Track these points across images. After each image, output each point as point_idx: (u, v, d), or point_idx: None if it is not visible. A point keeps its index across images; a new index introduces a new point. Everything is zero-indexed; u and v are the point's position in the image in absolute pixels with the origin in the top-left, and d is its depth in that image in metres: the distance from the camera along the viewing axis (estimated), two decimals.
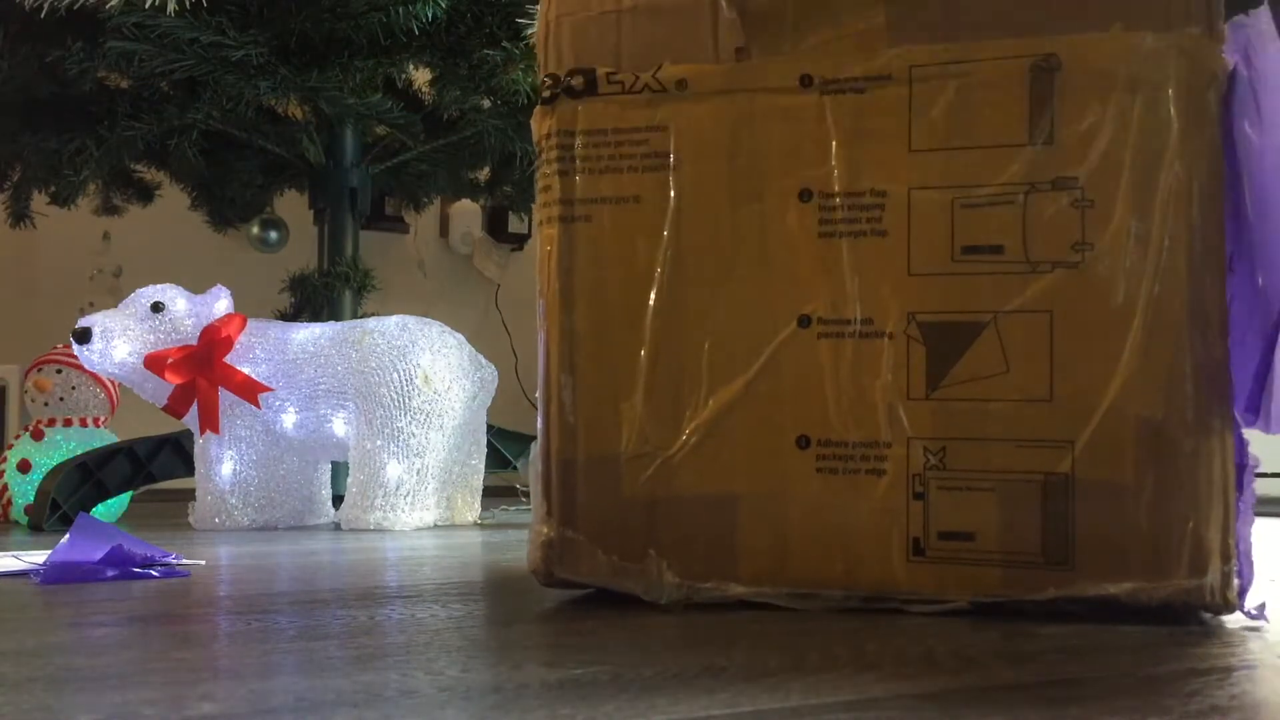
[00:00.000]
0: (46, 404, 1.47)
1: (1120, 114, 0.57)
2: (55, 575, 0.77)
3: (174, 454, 1.45)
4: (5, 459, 1.46)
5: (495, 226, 2.50)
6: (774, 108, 0.63)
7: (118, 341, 1.29)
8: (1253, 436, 0.60)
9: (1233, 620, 0.58)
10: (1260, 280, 0.57)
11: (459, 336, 1.39)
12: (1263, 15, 0.58)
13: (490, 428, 1.45)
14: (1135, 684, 0.44)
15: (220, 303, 1.35)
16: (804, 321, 0.62)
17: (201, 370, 1.31)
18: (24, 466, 1.43)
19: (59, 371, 1.47)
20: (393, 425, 1.29)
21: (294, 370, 1.32)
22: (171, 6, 1.28)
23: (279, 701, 0.40)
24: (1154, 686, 0.43)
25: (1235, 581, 0.56)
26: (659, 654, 0.49)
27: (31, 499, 1.37)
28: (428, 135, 1.74)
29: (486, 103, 1.60)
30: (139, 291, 1.34)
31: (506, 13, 1.44)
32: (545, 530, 0.66)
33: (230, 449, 1.33)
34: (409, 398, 1.30)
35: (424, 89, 1.79)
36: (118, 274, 2.22)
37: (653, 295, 0.64)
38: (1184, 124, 0.57)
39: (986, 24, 0.60)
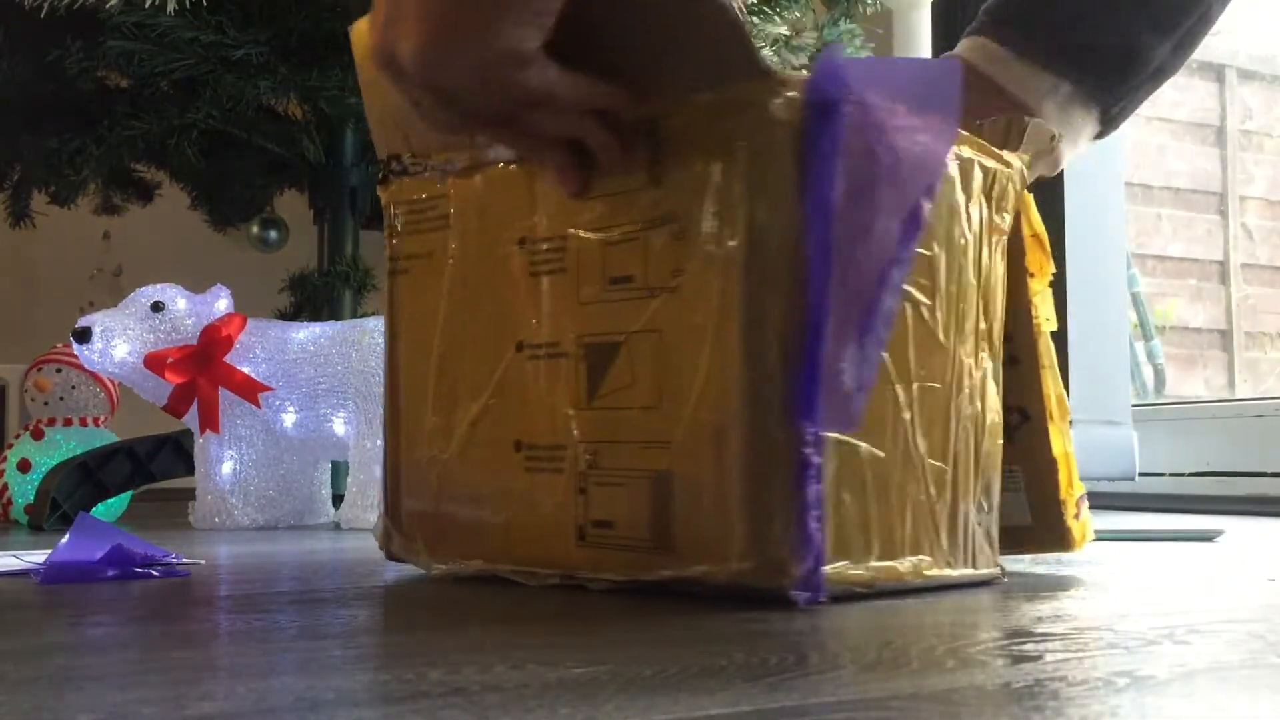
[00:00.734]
0: (46, 403, 1.47)
1: (703, 154, 0.65)
2: (55, 575, 0.77)
3: (174, 454, 1.45)
4: (5, 458, 1.46)
5: None
6: (504, 173, 0.75)
7: (118, 341, 1.29)
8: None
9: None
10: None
11: None
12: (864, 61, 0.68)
13: None
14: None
15: (220, 302, 1.35)
16: (519, 347, 0.74)
17: (201, 370, 1.31)
18: (24, 466, 1.43)
19: (59, 371, 1.47)
20: None
21: (294, 370, 1.32)
22: (171, 6, 1.28)
23: (279, 701, 0.40)
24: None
25: (796, 566, 0.63)
26: (659, 654, 0.49)
27: (31, 499, 1.37)
28: None
29: None
30: (139, 291, 1.34)
31: None
32: (384, 517, 0.82)
33: (230, 448, 1.33)
34: None
35: None
36: (118, 274, 2.23)
37: (438, 329, 0.78)
38: (748, 158, 0.64)
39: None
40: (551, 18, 0.62)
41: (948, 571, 0.71)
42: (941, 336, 0.71)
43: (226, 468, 1.33)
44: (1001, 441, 0.77)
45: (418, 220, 0.80)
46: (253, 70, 1.47)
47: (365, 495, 1.30)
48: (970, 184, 0.74)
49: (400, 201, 0.81)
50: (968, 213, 0.73)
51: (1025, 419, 0.80)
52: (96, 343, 1.29)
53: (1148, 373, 2.30)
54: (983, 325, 0.75)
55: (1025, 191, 0.81)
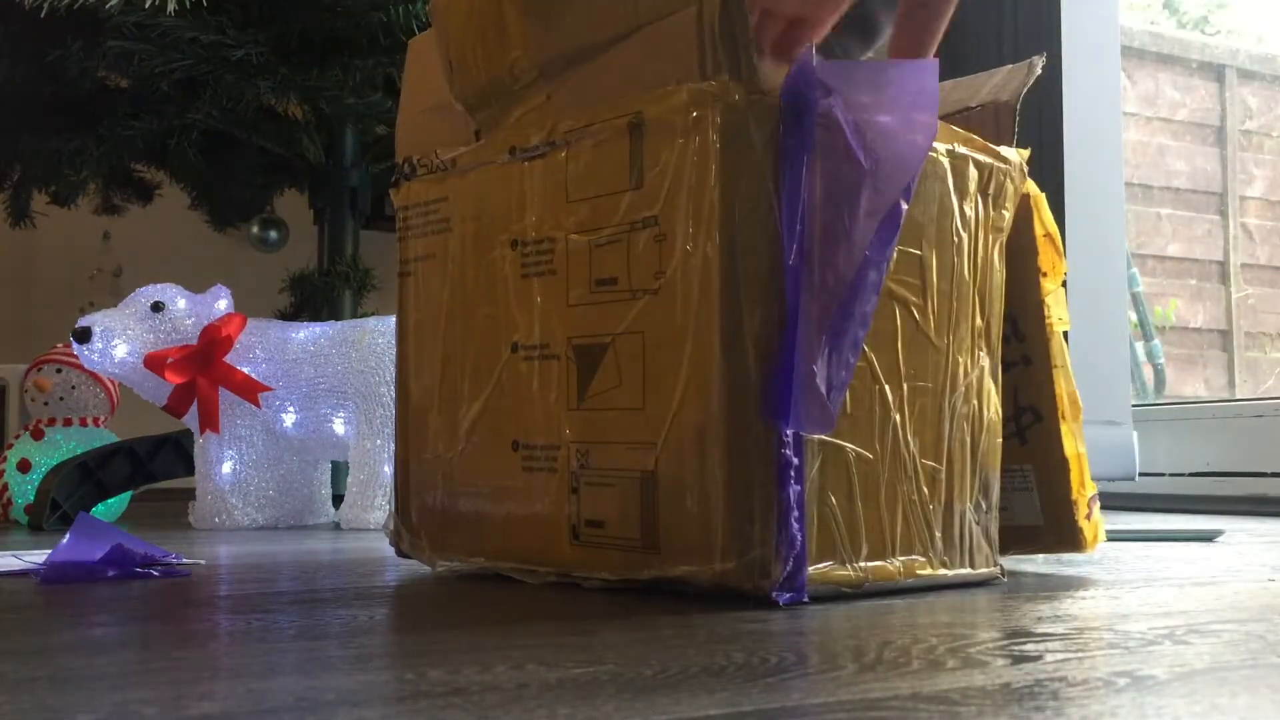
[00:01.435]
0: (46, 403, 1.47)
1: (679, 155, 0.66)
2: (55, 575, 0.77)
3: (174, 453, 1.45)
4: (5, 459, 1.46)
5: None
6: (496, 175, 0.76)
7: (118, 341, 1.29)
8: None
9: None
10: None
11: None
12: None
13: None
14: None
15: (220, 302, 1.35)
16: (514, 348, 0.74)
17: (201, 370, 1.31)
18: (24, 466, 1.43)
19: (59, 371, 1.47)
20: (393, 425, 1.29)
21: (294, 370, 1.32)
22: (171, 6, 1.28)
23: (279, 701, 0.40)
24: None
25: (777, 567, 0.63)
26: (659, 654, 0.49)
27: (31, 499, 1.37)
28: None
29: None
30: (139, 291, 1.34)
31: None
32: (394, 514, 0.83)
33: (230, 448, 1.33)
34: None
35: None
36: (118, 274, 2.23)
37: (443, 331, 0.79)
38: (724, 158, 0.65)
39: (607, 92, 0.70)
40: None
41: (943, 571, 0.71)
42: (933, 336, 0.71)
43: (226, 468, 1.33)
44: (1001, 440, 0.76)
45: (423, 223, 0.82)
46: (253, 70, 1.47)
47: (365, 495, 1.30)
48: (964, 182, 0.74)
49: (408, 205, 0.83)
50: (961, 210, 0.73)
51: (1038, 419, 0.81)
52: (96, 343, 1.29)
53: (1148, 373, 2.31)
54: (979, 323, 0.75)
55: (1039, 192, 0.81)
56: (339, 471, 1.49)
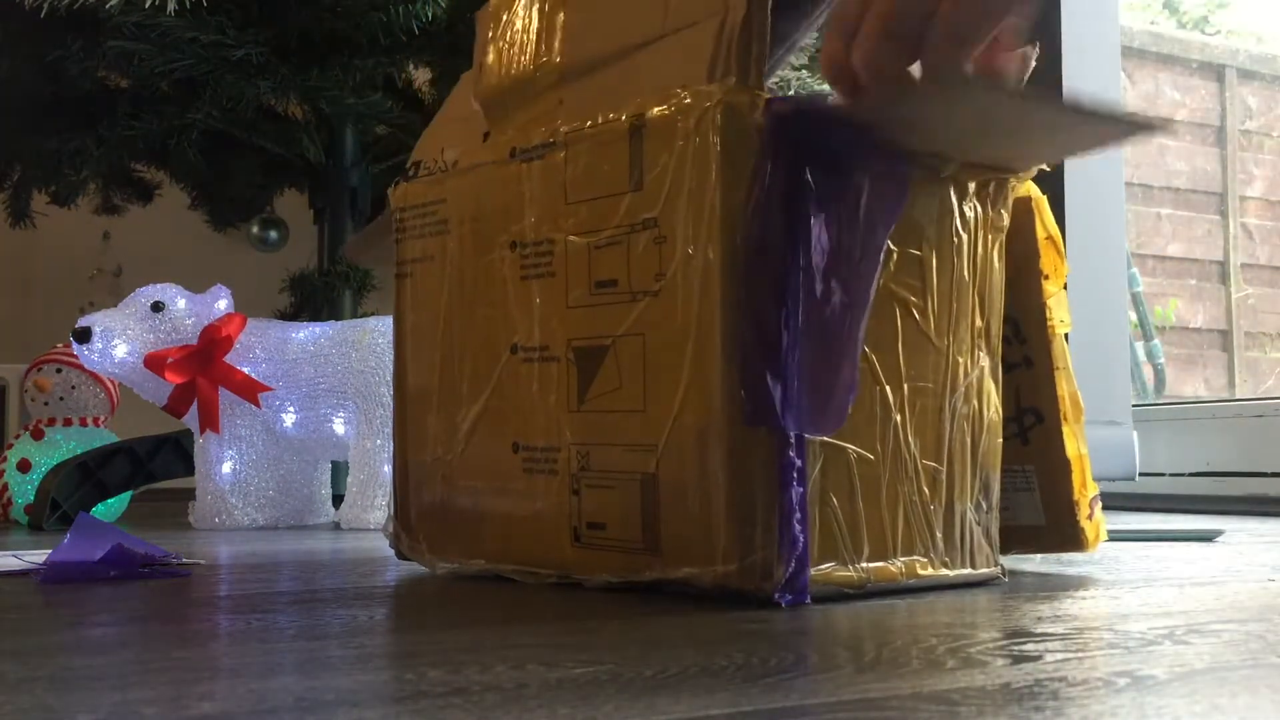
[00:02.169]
0: (46, 403, 1.47)
1: (679, 157, 0.66)
2: (55, 575, 0.77)
3: (174, 453, 1.45)
4: (5, 459, 1.46)
5: None
6: (496, 176, 0.76)
7: (118, 341, 1.29)
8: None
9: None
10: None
11: None
12: None
13: None
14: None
15: (220, 302, 1.35)
16: (514, 349, 0.74)
17: (201, 370, 1.31)
18: (24, 466, 1.43)
19: (59, 371, 1.47)
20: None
21: (294, 370, 1.32)
22: (171, 6, 1.28)
23: (279, 701, 0.40)
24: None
25: (779, 569, 0.63)
26: (659, 654, 0.49)
27: (31, 499, 1.37)
28: None
29: None
30: (139, 291, 1.34)
31: None
32: (393, 517, 0.83)
33: (230, 448, 1.33)
34: None
35: (424, 89, 1.79)
36: (118, 274, 2.22)
37: (441, 333, 0.79)
38: (725, 160, 0.64)
39: (617, 97, 0.70)
40: None
41: (944, 572, 0.71)
42: (934, 336, 0.71)
43: (226, 468, 1.33)
44: (1001, 440, 0.77)
45: (420, 224, 0.81)
46: (253, 70, 1.47)
47: (365, 495, 1.30)
48: (964, 183, 0.74)
49: (405, 206, 0.83)
50: (961, 211, 0.73)
51: (1039, 420, 0.81)
52: (96, 343, 1.29)
53: (1148, 373, 2.31)
54: (979, 323, 0.75)
55: (1040, 195, 0.81)
56: (339, 471, 1.49)
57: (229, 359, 1.31)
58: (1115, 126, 0.70)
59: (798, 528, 0.63)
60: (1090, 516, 0.81)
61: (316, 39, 1.51)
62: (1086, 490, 0.81)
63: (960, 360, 0.73)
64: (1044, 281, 0.81)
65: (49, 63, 1.51)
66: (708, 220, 0.64)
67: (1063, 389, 0.80)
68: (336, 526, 1.34)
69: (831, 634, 0.55)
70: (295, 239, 2.19)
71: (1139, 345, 2.27)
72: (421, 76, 1.78)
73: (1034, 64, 0.80)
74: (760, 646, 0.51)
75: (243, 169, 1.89)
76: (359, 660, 0.48)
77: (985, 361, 0.75)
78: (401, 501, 0.82)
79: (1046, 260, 0.81)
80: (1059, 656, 0.49)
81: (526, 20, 0.76)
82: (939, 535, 0.71)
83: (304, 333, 1.35)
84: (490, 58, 0.78)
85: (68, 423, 1.47)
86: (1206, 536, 1.12)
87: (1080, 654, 0.50)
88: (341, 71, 1.50)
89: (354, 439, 1.31)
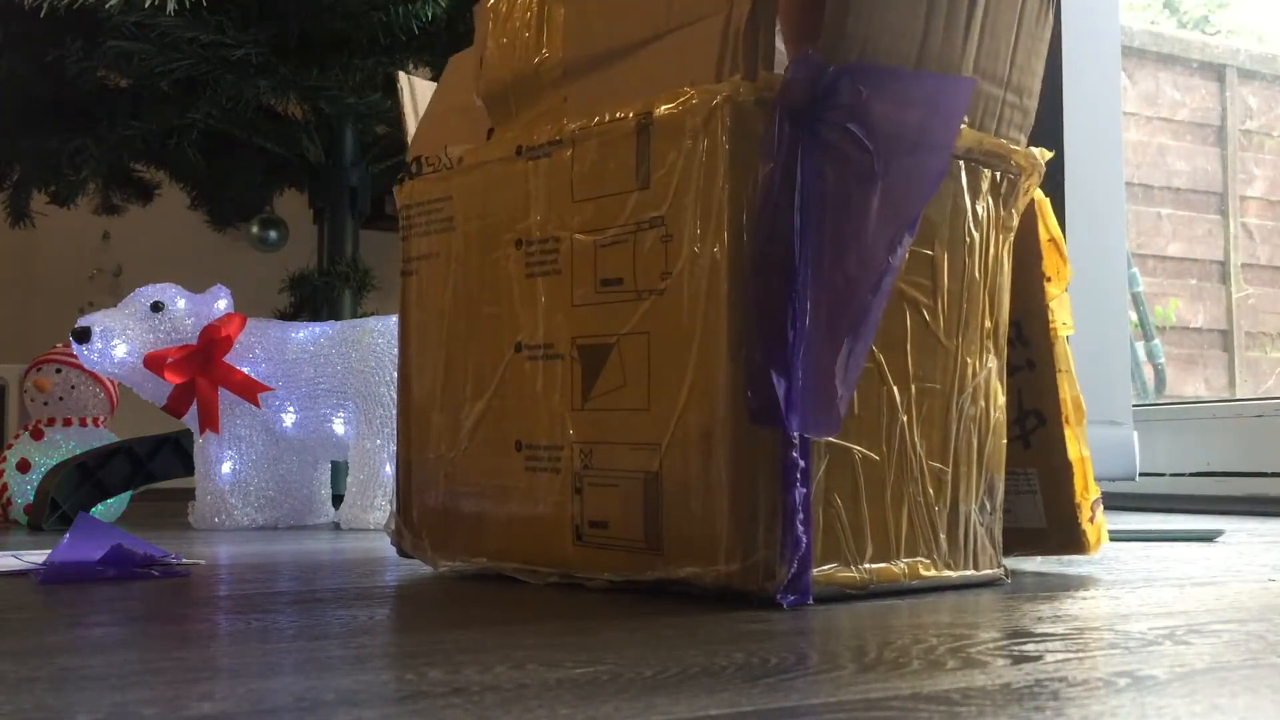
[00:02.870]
0: (46, 403, 1.47)
1: (687, 156, 0.66)
2: (55, 575, 0.77)
3: (174, 453, 1.45)
4: (5, 459, 1.46)
5: None
6: (502, 174, 0.76)
7: (117, 341, 1.29)
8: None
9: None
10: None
11: None
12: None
13: None
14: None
15: (220, 302, 1.35)
16: (518, 348, 0.74)
17: (201, 370, 1.31)
18: (24, 466, 1.43)
19: (59, 371, 1.47)
20: (393, 425, 1.29)
21: (294, 370, 1.32)
22: (171, 6, 1.28)
23: (279, 701, 0.40)
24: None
25: (782, 569, 0.63)
26: (659, 654, 0.49)
27: (31, 499, 1.37)
28: None
29: None
30: (139, 291, 1.34)
31: None
32: (396, 515, 0.83)
33: (230, 448, 1.33)
34: None
35: None
36: (118, 274, 2.22)
37: (445, 331, 0.79)
38: (733, 159, 0.64)
39: (622, 94, 0.70)
40: None
41: (947, 573, 0.71)
42: (943, 337, 0.71)
43: (226, 468, 1.33)
44: (1006, 440, 0.76)
45: (425, 222, 0.81)
46: (253, 70, 1.47)
47: (365, 495, 1.29)
48: (978, 182, 0.73)
49: (411, 203, 0.83)
50: (974, 210, 0.73)
51: (1041, 422, 0.80)
52: (96, 343, 1.29)
53: (1148, 373, 2.30)
54: (988, 324, 0.74)
55: (1043, 197, 0.81)
56: (339, 471, 1.49)
57: (229, 359, 1.31)
58: None
59: (801, 528, 0.63)
60: (1092, 519, 0.81)
61: (316, 39, 1.51)
62: (1088, 493, 0.81)
63: (969, 361, 0.73)
64: (1046, 284, 0.81)
65: (49, 63, 1.51)
66: (715, 219, 0.64)
67: (1065, 392, 0.80)
68: (336, 526, 1.34)
69: (832, 634, 0.55)
70: (295, 239, 2.19)
71: (1139, 345, 2.26)
72: (421, 76, 1.77)
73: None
74: (761, 646, 0.51)
75: (242, 169, 1.89)
76: (359, 660, 0.48)
77: (993, 362, 0.75)
78: (404, 499, 0.82)
79: (1049, 263, 0.81)
80: (1059, 657, 0.49)
81: (524, 14, 0.76)
82: (943, 536, 0.71)
83: (304, 333, 1.35)
84: (490, 52, 0.78)
85: (67, 423, 1.47)
86: (1207, 536, 1.12)
87: (1081, 654, 0.50)
88: (341, 71, 1.50)
89: (354, 439, 1.31)
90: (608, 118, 0.69)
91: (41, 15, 1.35)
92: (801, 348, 0.63)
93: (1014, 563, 0.83)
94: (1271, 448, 1.67)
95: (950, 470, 0.72)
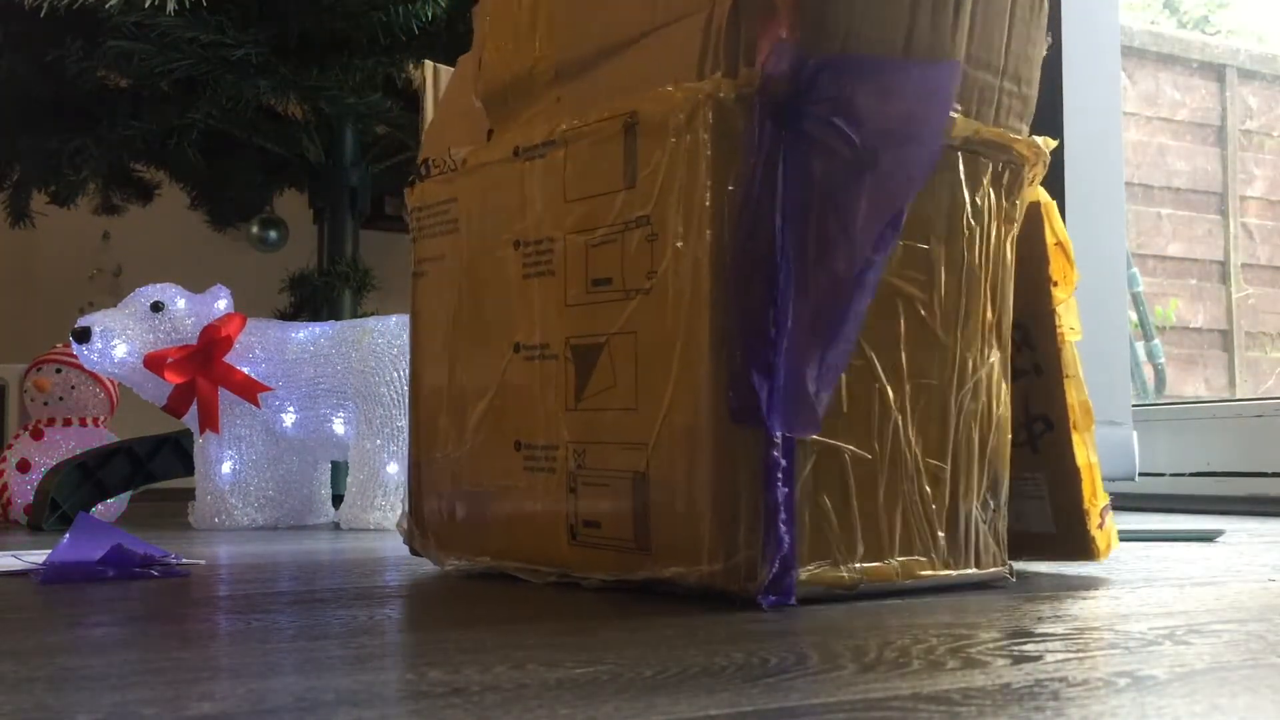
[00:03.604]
0: (46, 403, 1.47)
1: (671, 155, 0.66)
2: (55, 575, 0.77)
3: (174, 453, 1.45)
4: (5, 459, 1.46)
5: None
6: (501, 175, 0.76)
7: (117, 341, 1.29)
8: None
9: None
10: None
11: None
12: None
13: None
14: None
15: (220, 302, 1.35)
16: (517, 348, 0.74)
17: (201, 370, 1.31)
18: (24, 466, 1.43)
19: (59, 371, 1.47)
20: (393, 425, 1.29)
21: (294, 370, 1.32)
22: (171, 6, 1.28)
23: (279, 701, 0.40)
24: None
25: (764, 569, 0.63)
26: (659, 654, 0.49)
27: (31, 499, 1.37)
28: None
29: None
30: (139, 291, 1.34)
31: None
32: (408, 514, 0.84)
33: (230, 448, 1.33)
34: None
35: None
36: (118, 274, 2.22)
37: (451, 332, 0.80)
38: (716, 157, 0.64)
39: (612, 94, 0.70)
40: None
41: (946, 572, 0.71)
42: (940, 332, 0.71)
43: (226, 468, 1.33)
44: (1010, 436, 0.76)
45: (434, 224, 0.82)
46: (253, 70, 1.47)
47: (365, 495, 1.29)
48: (977, 172, 0.73)
49: (421, 206, 0.83)
50: (973, 202, 0.72)
51: (1049, 428, 0.80)
52: (96, 343, 1.29)
53: (1148, 373, 2.30)
54: (990, 317, 0.74)
55: (1050, 200, 0.80)
56: (339, 471, 1.49)
57: (229, 359, 1.31)
58: None
59: (783, 528, 0.63)
60: (1101, 525, 0.80)
61: (316, 39, 1.51)
62: (1097, 499, 0.80)
63: (969, 356, 0.72)
64: (1053, 288, 0.80)
65: (49, 63, 1.51)
66: (697, 218, 0.64)
67: (1072, 397, 0.80)
68: (336, 526, 1.34)
69: (832, 634, 0.55)
70: (295, 239, 2.18)
71: (1139, 345, 2.26)
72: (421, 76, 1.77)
73: (1044, 52, 0.79)
74: (761, 646, 0.51)
75: (242, 169, 1.89)
76: (359, 660, 0.48)
77: (995, 356, 0.74)
78: (415, 499, 0.83)
79: (1056, 267, 0.80)
80: (1059, 657, 0.49)
81: (520, 15, 0.76)
82: (941, 535, 0.71)
83: (304, 333, 1.35)
84: (488, 54, 0.78)
85: (67, 423, 1.47)
86: (1207, 536, 1.12)
87: (1081, 654, 0.50)
88: (341, 71, 1.50)
89: (354, 439, 1.31)
90: (597, 118, 0.70)
91: (41, 15, 1.35)
92: (784, 346, 0.63)
93: (1016, 564, 0.83)
94: (1271, 448, 1.67)
95: (949, 467, 0.71)
